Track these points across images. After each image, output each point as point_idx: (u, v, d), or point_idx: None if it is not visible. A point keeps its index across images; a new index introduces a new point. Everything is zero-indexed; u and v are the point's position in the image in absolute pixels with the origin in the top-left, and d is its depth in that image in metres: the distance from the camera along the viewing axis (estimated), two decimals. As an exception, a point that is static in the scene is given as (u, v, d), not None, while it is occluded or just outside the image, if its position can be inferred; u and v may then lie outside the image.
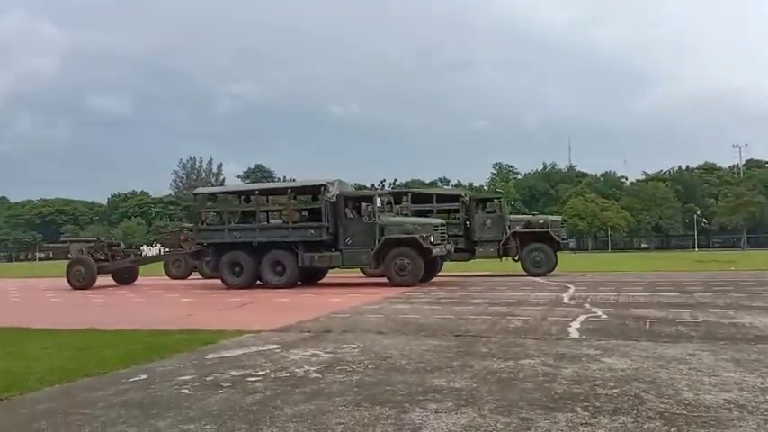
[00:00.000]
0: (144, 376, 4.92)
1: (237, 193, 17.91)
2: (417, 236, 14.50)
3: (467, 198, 18.99)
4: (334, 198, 15.14)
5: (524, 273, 17.75)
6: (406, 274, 14.45)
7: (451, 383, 4.40)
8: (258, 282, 15.36)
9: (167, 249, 22.17)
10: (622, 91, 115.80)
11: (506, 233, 18.03)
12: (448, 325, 7.56)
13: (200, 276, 20.30)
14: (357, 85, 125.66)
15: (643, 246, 65.01)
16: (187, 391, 4.39)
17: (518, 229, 18.26)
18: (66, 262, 17.85)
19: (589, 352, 5.50)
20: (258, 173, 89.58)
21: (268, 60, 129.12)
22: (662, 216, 61.71)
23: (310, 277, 16.37)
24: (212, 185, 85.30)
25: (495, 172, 78.92)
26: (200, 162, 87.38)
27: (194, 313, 9.78)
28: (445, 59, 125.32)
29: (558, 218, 20.59)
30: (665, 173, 71.47)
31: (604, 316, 8.07)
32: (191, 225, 25.40)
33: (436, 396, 4.05)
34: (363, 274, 18.04)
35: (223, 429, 3.44)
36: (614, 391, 4.09)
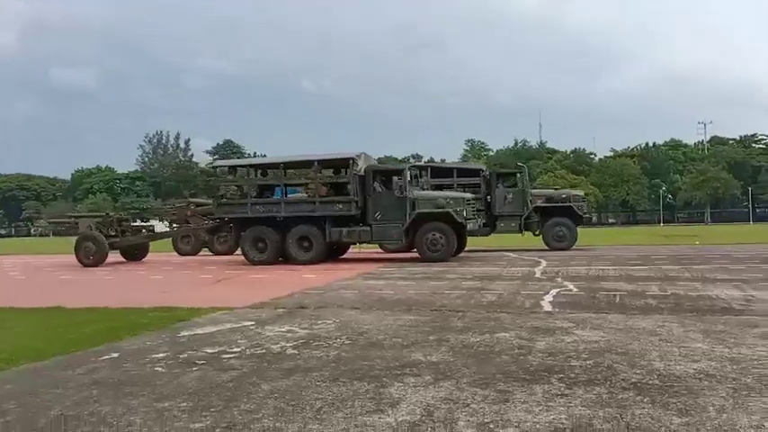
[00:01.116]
0: (115, 354, 4.83)
1: (259, 166, 16.91)
2: (450, 210, 14.13)
3: (487, 172, 18.65)
4: (362, 171, 14.65)
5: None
6: (438, 250, 14.07)
7: (428, 358, 4.42)
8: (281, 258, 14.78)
9: (174, 225, 21.46)
10: (592, 69, 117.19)
11: (528, 207, 17.74)
12: (423, 300, 7.59)
13: (210, 253, 19.81)
14: (329, 62, 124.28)
15: (610, 221, 66.31)
16: (161, 369, 4.32)
17: (540, 203, 17.97)
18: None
19: (562, 325, 5.58)
20: (227, 148, 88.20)
21: (238, 35, 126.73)
22: (629, 192, 62.91)
23: (331, 253, 15.74)
24: (180, 161, 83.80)
25: (468, 148, 79.27)
26: (168, 137, 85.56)
27: (167, 290, 9.64)
28: (417, 37, 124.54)
29: (580, 192, 20.29)
30: (632, 149, 72.66)
31: (576, 290, 8.20)
32: (197, 200, 24.87)
33: (414, 370, 4.06)
34: (382, 250, 17.69)
35: (199, 407, 3.39)
36: (588, 362, 4.16)
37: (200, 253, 20.22)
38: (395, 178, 14.55)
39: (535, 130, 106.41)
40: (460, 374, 3.93)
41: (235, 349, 4.90)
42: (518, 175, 18.84)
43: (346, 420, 3.10)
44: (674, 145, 73.48)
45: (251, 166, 15.94)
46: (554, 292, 8.00)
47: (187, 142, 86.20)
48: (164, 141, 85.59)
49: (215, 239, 19.79)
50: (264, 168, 16.76)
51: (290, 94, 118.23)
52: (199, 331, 5.74)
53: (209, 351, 4.85)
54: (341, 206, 14.46)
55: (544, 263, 12.75)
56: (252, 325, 6.00)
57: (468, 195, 15.40)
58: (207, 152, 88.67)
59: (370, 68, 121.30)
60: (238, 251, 19.49)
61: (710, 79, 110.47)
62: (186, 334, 5.62)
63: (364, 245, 16.12)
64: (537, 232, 18.05)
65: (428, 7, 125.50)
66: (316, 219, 14.56)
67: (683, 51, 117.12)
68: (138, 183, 78.69)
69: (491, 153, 76.50)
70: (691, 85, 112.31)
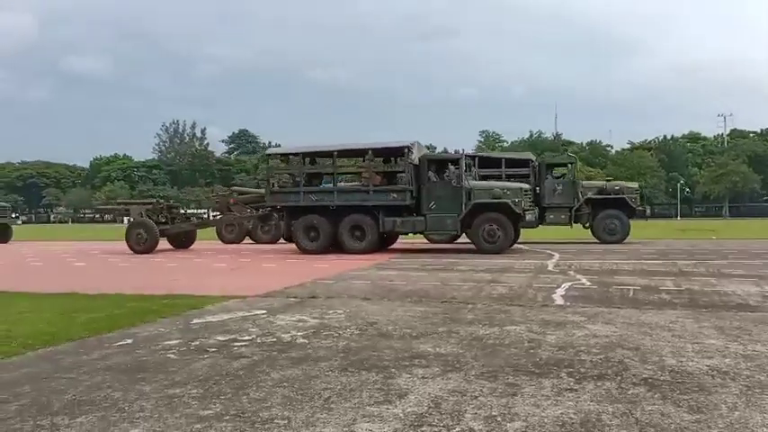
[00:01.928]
0: (129, 341, 4.89)
1: (311, 155, 16.57)
2: (509, 201, 13.90)
3: (536, 162, 18.27)
4: (417, 160, 14.49)
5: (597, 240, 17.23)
6: (495, 241, 13.89)
7: (438, 349, 4.42)
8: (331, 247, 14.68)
9: (216, 213, 21.46)
10: (609, 60, 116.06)
11: (578, 199, 17.38)
12: (433, 291, 7.59)
13: (253, 241, 19.85)
14: (341, 51, 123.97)
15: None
16: (173, 355, 4.37)
17: (591, 195, 17.59)
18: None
19: (574, 319, 5.55)
20: (243, 138, 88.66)
21: (251, 23, 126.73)
22: (646, 185, 62.28)
23: (381, 242, 15.56)
24: (196, 150, 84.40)
25: (482, 139, 78.86)
26: (184, 125, 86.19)
27: (179, 278, 9.73)
28: (429, 26, 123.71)
29: (634, 184, 19.71)
30: (649, 142, 71.84)
31: (588, 283, 8.15)
32: (240, 188, 24.92)
33: (422, 362, 4.06)
34: (428, 241, 17.53)
35: (209, 394, 3.42)
36: (599, 357, 4.13)
37: (244, 241, 20.18)
38: (451, 167, 14.33)
39: (549, 122, 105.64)
40: (469, 367, 3.92)
41: (246, 337, 4.93)
42: (569, 165, 18.41)
43: (354, 410, 3.11)
44: (693, 137, 72.58)
45: (304, 154, 15.86)
46: (566, 285, 7.95)
47: (203, 131, 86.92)
48: (180, 130, 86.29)
49: (258, 228, 19.78)
50: (315, 157, 16.53)
51: (301, 83, 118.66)
52: (211, 319, 5.79)
53: (220, 339, 4.89)
54: (395, 195, 14.30)
55: (557, 256, 12.67)
56: (263, 314, 6.03)
57: (526, 186, 15.06)
58: (223, 141, 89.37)
59: (382, 58, 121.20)
60: (281, 240, 19.66)
61: (731, 70, 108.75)
62: (198, 321, 5.68)
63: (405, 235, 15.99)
64: (587, 225, 17.63)
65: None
66: (369, 208, 14.45)
67: (703, 41, 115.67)
68: (155, 171, 79.46)
69: (505, 144, 76.06)
70: (710, 77, 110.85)
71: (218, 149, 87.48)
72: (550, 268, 10.32)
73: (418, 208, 14.38)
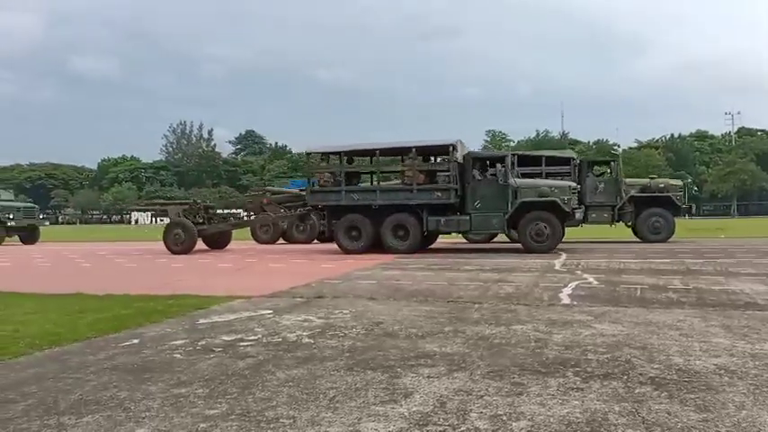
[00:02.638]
0: (135, 341, 4.90)
1: (352, 153, 16.42)
2: (557, 199, 13.66)
3: (578, 160, 17.92)
4: (461, 159, 14.31)
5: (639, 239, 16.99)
6: (544, 240, 13.64)
7: (443, 349, 4.41)
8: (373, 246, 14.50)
9: (249, 213, 21.09)
10: (615, 57, 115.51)
11: (621, 197, 17.09)
12: (439, 291, 7.58)
13: (285, 241, 19.76)
14: (345, 52, 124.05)
15: (633, 213, 65.38)
16: (179, 355, 4.38)
17: (634, 193, 17.31)
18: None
19: (580, 318, 5.53)
20: (249, 138, 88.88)
21: (254, 23, 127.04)
22: (653, 184, 61.93)
23: (424, 242, 15.35)
24: (203, 151, 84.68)
25: (488, 139, 78.76)
26: (191, 127, 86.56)
27: (184, 278, 9.76)
28: (432, 25, 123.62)
29: (678, 182, 19.49)
30: (657, 140, 71.51)
31: (596, 282, 8.11)
32: (273, 189, 24.79)
33: (428, 361, 4.06)
34: (466, 240, 17.37)
35: (215, 393, 3.43)
36: (605, 356, 4.11)
37: (278, 242, 20.10)
38: (498, 165, 14.15)
39: (555, 121, 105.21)
40: (475, 366, 3.91)
41: (252, 337, 4.94)
42: (612, 163, 18.07)
43: (359, 410, 3.11)
44: (700, 136, 72.22)
45: (345, 153, 15.65)
46: (573, 284, 7.92)
47: (210, 132, 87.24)
48: (187, 131, 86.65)
49: (293, 228, 19.70)
50: (356, 156, 16.35)
51: (304, 83, 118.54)
52: (217, 319, 5.81)
53: (226, 339, 4.90)
54: (439, 194, 14.08)
55: (564, 255, 12.63)
56: (269, 314, 6.04)
57: (573, 184, 14.79)
58: (229, 142, 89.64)
59: (385, 57, 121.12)
60: (315, 240, 19.60)
61: (739, 67, 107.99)
62: (204, 321, 5.69)
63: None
64: (630, 223, 17.34)
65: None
66: (412, 207, 14.26)
67: (710, 38, 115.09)
68: (162, 172, 79.79)
69: (512, 144, 75.94)
70: (718, 74, 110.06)
71: (225, 150, 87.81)
72: (558, 267, 10.29)
73: (462, 207, 14.22)
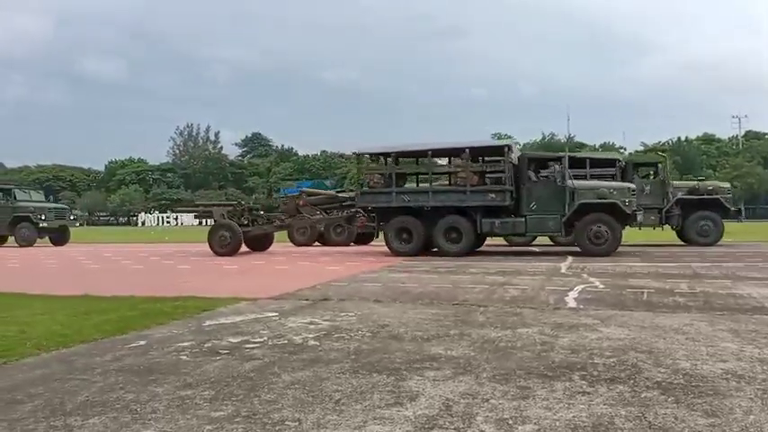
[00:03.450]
0: (142, 342, 4.92)
1: (404, 154, 15.99)
2: (618, 201, 13.30)
3: (623, 162, 17.43)
4: (515, 160, 14.08)
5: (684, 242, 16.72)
6: (603, 243, 13.28)
7: (449, 352, 4.41)
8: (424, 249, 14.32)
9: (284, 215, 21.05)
10: (618, 59, 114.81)
11: (669, 200, 16.67)
12: (445, 294, 7.57)
13: (320, 243, 19.55)
14: (351, 53, 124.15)
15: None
16: (185, 357, 4.39)
17: (682, 195, 16.82)
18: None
19: (586, 321, 5.51)
20: (256, 141, 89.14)
21: (259, 26, 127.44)
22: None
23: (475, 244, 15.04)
24: (209, 153, 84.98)
25: (494, 141, 78.59)
26: (198, 129, 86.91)
27: (190, 280, 9.78)
28: (439, 26, 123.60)
29: (726, 184, 18.83)
30: (663, 144, 71.24)
31: (602, 286, 8.09)
32: (310, 190, 24.42)
33: (434, 364, 4.05)
34: (507, 243, 17.20)
35: (221, 395, 3.43)
36: (612, 360, 4.10)
37: (313, 244, 19.86)
38: (556, 166, 13.89)
39: (559, 122, 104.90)
40: (480, 369, 3.91)
41: (257, 339, 4.95)
42: (659, 165, 17.72)
43: (365, 412, 3.10)
44: (707, 139, 71.90)
45: (396, 154, 15.34)
46: (579, 288, 7.90)
47: (217, 135, 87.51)
48: (194, 134, 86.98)
49: (331, 230, 19.57)
50: (408, 156, 16.09)
51: (310, 85, 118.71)
52: (223, 321, 5.82)
53: (232, 341, 4.91)
54: (494, 196, 13.79)
55: (570, 258, 12.60)
56: (275, 316, 6.05)
57: (632, 185, 14.39)
58: (236, 144, 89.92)
59: (391, 58, 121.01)
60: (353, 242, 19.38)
61: (745, 70, 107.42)
62: (211, 323, 5.70)
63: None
64: (677, 226, 16.97)
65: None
66: (465, 209, 14.00)
67: (716, 40, 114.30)
68: (169, 174, 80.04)
69: (518, 147, 75.77)
70: (724, 76, 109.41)
71: (231, 152, 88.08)
72: (563, 271, 10.26)
73: (516, 209, 13.90)
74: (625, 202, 13.35)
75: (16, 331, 5.38)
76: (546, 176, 14.10)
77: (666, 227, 17.08)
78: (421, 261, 12.84)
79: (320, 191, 24.27)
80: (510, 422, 2.93)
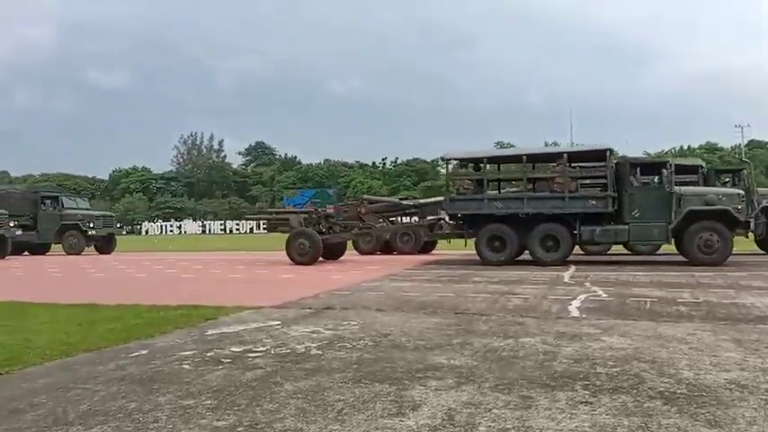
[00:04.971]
0: (144, 351, 4.93)
1: (497, 160, 15.49)
2: (730, 208, 12.62)
3: (705, 169, 16.77)
4: (614, 165, 13.46)
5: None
6: (713, 252, 12.61)
7: (451, 361, 4.40)
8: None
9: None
10: (623, 70, 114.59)
11: (754, 208, 15.52)
12: (448, 303, 7.56)
13: (381, 252, 19.04)
14: (357, 62, 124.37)
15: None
16: (188, 366, 4.40)
17: (766, 203, 15.83)
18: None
19: (589, 331, 5.50)
20: (260, 149, 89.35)
21: (267, 35, 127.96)
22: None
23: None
24: (213, 162, 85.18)
25: (498, 150, 78.60)
26: (202, 138, 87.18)
27: (194, 288, 9.79)
28: (446, 36, 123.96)
29: None
30: (666, 152, 71.18)
31: (605, 295, 8.07)
32: (371, 197, 23.69)
33: (436, 373, 4.05)
34: (630, 251, 16.49)
35: (223, 405, 3.44)
36: (614, 370, 4.09)
37: (376, 252, 19.34)
38: (664, 171, 13.11)
39: (564, 132, 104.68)
40: (483, 379, 3.90)
41: (260, 348, 4.95)
42: (743, 172, 16.92)
43: (367, 422, 3.10)
44: (710, 148, 71.78)
45: (489, 159, 14.79)
46: (582, 297, 7.88)
47: (221, 143, 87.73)
48: (198, 142, 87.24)
49: (397, 238, 19.12)
50: (500, 162, 15.71)
51: (317, 95, 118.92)
52: (226, 330, 5.82)
53: (234, 350, 4.91)
54: (595, 202, 13.21)
55: (573, 267, 12.57)
56: (278, 325, 6.06)
57: (741, 192, 13.64)
58: (239, 153, 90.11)
59: (398, 68, 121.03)
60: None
61: (748, 79, 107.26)
62: (213, 332, 5.71)
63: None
64: (761, 235, 16.14)
65: (456, 5, 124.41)
66: (563, 216, 13.43)
67: (718, 50, 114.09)
68: (172, 183, 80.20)
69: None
70: (726, 86, 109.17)
71: (235, 161, 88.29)
72: (566, 280, 10.24)
73: (618, 216, 13.29)
74: (737, 208, 12.74)
75: (21, 340, 5.38)
76: (646, 182, 13.55)
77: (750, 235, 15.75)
78: (424, 270, 12.83)
79: (381, 198, 23.44)
80: (512, 432, 2.93)
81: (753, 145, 71.53)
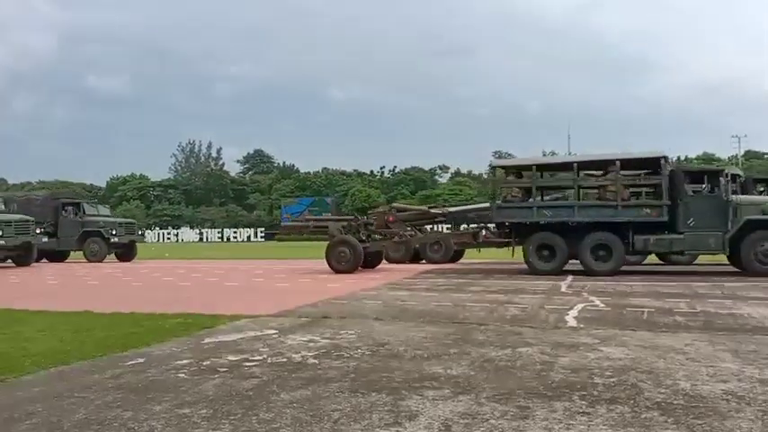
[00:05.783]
0: (140, 360, 4.91)
1: (545, 167, 15.18)
2: None
3: (743, 177, 16.00)
4: (668, 172, 13.14)
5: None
6: None
7: (448, 371, 4.40)
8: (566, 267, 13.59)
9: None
10: (621, 79, 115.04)
11: None
12: (445, 312, 7.56)
13: (408, 261, 18.45)
14: (356, 70, 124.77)
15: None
16: (184, 375, 4.38)
17: None
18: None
19: (586, 341, 5.50)
20: (258, 158, 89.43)
21: (266, 43, 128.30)
22: (661, 206, 61.66)
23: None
24: (211, 170, 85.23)
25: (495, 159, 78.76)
26: (200, 146, 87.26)
27: (192, 297, 9.77)
28: (445, 44, 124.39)
29: None
30: (664, 162, 71.42)
31: (602, 305, 8.07)
32: (399, 205, 23.08)
33: (433, 383, 4.04)
34: (663, 261, 16.22)
35: (219, 414, 3.42)
36: (612, 380, 4.09)
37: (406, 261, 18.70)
38: (721, 180, 12.88)
39: (562, 142, 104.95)
40: (480, 389, 3.89)
41: (257, 357, 4.94)
42: None
43: (363, 432, 3.09)
44: (707, 158, 71.96)
45: (537, 166, 14.50)
46: (579, 306, 7.88)
47: (219, 151, 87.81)
48: (196, 150, 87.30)
49: (427, 247, 18.73)
50: (550, 170, 15.46)
51: (316, 103, 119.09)
52: (222, 338, 5.81)
53: (231, 359, 4.90)
54: (649, 211, 12.93)
55: (570, 277, 12.57)
56: (274, 333, 6.04)
57: None
58: (237, 161, 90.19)
59: (397, 77, 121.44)
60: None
61: (743, 89, 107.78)
62: (210, 341, 5.69)
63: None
64: None
65: (455, 14, 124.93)
66: (615, 225, 13.13)
67: (715, 60, 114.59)
68: (170, 191, 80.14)
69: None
70: (724, 96, 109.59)
71: (233, 169, 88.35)
72: (564, 289, 10.24)
73: (672, 225, 12.99)
74: None
75: (17, 348, 5.37)
76: (699, 190, 13.29)
77: None
78: (422, 279, 12.82)
79: (410, 206, 22.88)
80: (509, 443, 2.92)
81: (750, 155, 71.80)
